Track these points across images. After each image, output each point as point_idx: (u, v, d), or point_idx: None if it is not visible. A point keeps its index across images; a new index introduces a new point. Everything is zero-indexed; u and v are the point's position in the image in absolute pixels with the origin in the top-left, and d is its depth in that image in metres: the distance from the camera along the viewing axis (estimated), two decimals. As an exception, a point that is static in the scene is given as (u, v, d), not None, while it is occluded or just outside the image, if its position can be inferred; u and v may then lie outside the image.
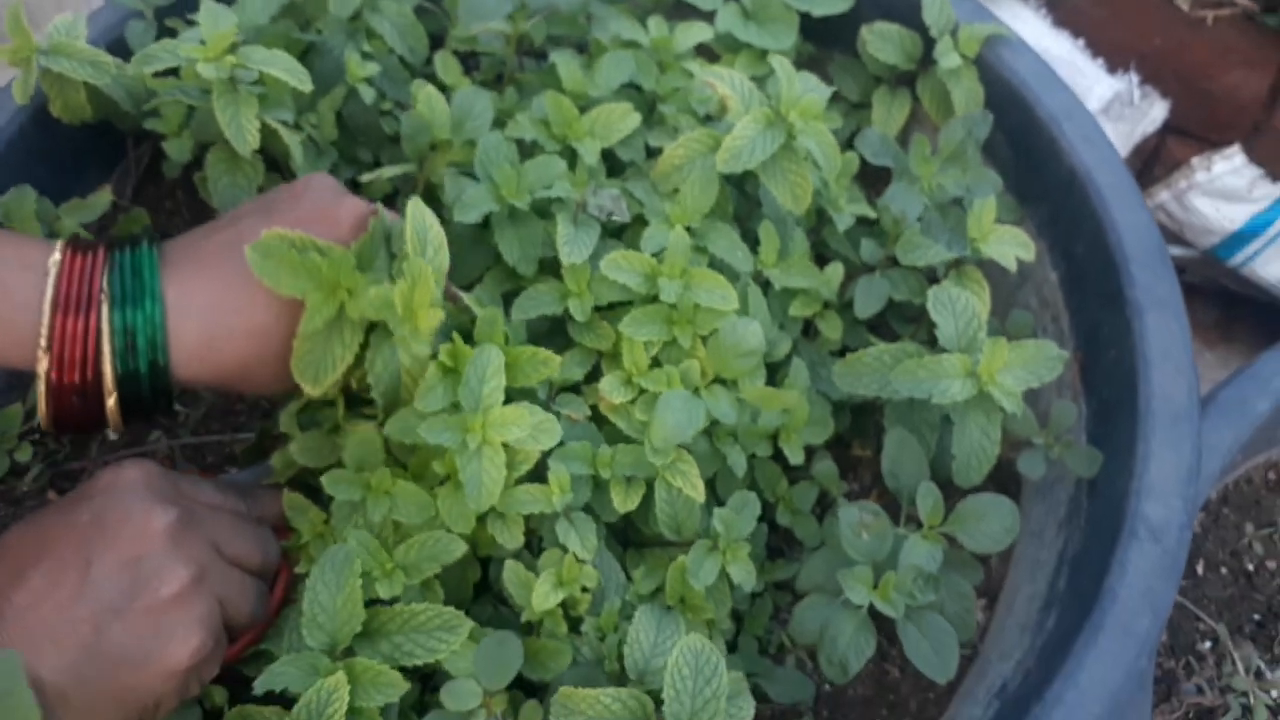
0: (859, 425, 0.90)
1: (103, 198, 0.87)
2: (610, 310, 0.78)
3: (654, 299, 0.75)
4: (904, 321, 0.91)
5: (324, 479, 0.67)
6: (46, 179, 0.87)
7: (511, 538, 0.67)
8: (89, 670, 0.55)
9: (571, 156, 0.82)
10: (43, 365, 0.60)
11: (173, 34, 0.87)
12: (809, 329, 0.89)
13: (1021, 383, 0.75)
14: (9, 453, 0.84)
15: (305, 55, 0.88)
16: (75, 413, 0.62)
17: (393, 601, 0.64)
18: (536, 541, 0.71)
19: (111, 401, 0.62)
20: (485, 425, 0.64)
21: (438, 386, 0.65)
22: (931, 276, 0.87)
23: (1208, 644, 0.94)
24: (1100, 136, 0.87)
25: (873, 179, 0.97)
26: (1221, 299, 1.53)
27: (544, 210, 0.79)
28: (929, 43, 0.91)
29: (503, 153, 0.79)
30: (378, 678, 0.59)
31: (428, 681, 0.69)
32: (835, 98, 0.99)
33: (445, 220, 0.79)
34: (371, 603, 0.63)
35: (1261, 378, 0.88)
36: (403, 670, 0.60)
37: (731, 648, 0.80)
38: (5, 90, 0.83)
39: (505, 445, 0.65)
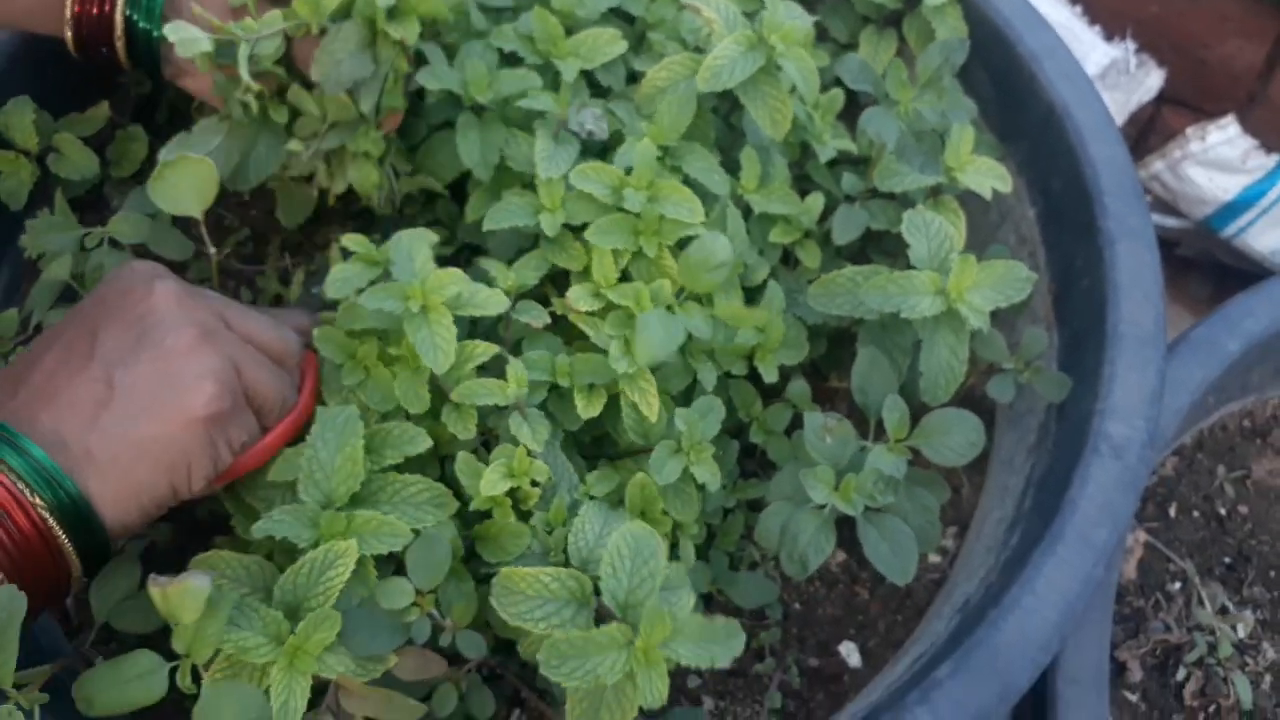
0: (835, 357, 0.92)
1: (100, 111, 0.89)
2: (584, 230, 0.80)
3: (621, 210, 0.76)
4: (883, 254, 0.92)
5: (316, 334, 0.71)
6: (47, 97, 0.89)
7: (465, 429, 0.69)
8: (109, 423, 0.58)
9: (554, 77, 0.84)
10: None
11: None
12: (789, 259, 0.91)
13: (990, 301, 0.76)
14: (4, 357, 0.86)
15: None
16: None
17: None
18: (494, 441, 0.73)
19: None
20: (425, 289, 0.66)
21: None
22: (911, 207, 0.88)
23: (1177, 584, 0.95)
24: (1079, 74, 0.88)
25: (858, 118, 0.98)
26: (1215, 273, 1.53)
27: (516, 121, 0.81)
28: (916, -18, 0.93)
29: (483, 58, 0.80)
30: (380, 528, 0.61)
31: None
32: (824, 38, 1.01)
33: (420, 114, 0.82)
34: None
35: (1232, 319, 0.90)
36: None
37: (702, 561, 0.81)
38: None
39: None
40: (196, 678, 0.58)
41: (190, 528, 0.79)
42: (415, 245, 0.70)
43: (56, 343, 0.61)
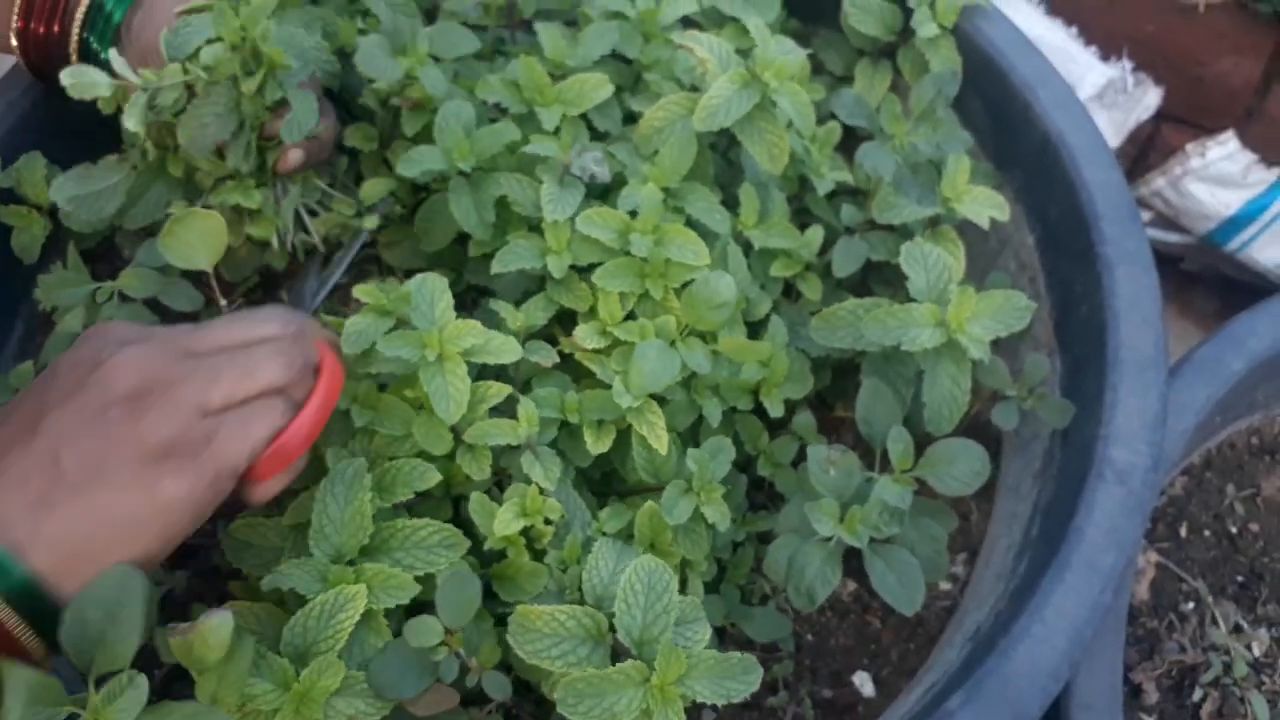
0: (840, 387, 0.93)
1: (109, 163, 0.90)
2: (589, 270, 0.81)
3: (627, 254, 0.77)
4: (883, 284, 0.93)
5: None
6: (59, 152, 0.91)
7: (479, 469, 0.70)
8: (58, 498, 0.54)
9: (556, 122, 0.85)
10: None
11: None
12: (791, 291, 0.92)
13: (990, 331, 0.77)
14: (20, 409, 0.87)
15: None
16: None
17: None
18: (507, 481, 0.74)
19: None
20: (443, 338, 0.67)
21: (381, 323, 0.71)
22: (910, 238, 0.89)
23: (1190, 604, 0.95)
24: (1073, 101, 0.89)
25: (856, 149, 0.99)
26: (1221, 287, 1.54)
27: (518, 167, 0.82)
28: (909, 14, 0.94)
29: (460, 119, 0.82)
30: (388, 581, 0.62)
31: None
32: (820, 71, 1.02)
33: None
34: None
35: (1236, 338, 0.90)
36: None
37: (714, 595, 0.82)
38: (17, 67, 0.87)
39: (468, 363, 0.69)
40: None
41: (206, 574, 0.80)
42: (437, 291, 0.71)
43: (9, 419, 0.58)
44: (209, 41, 0.74)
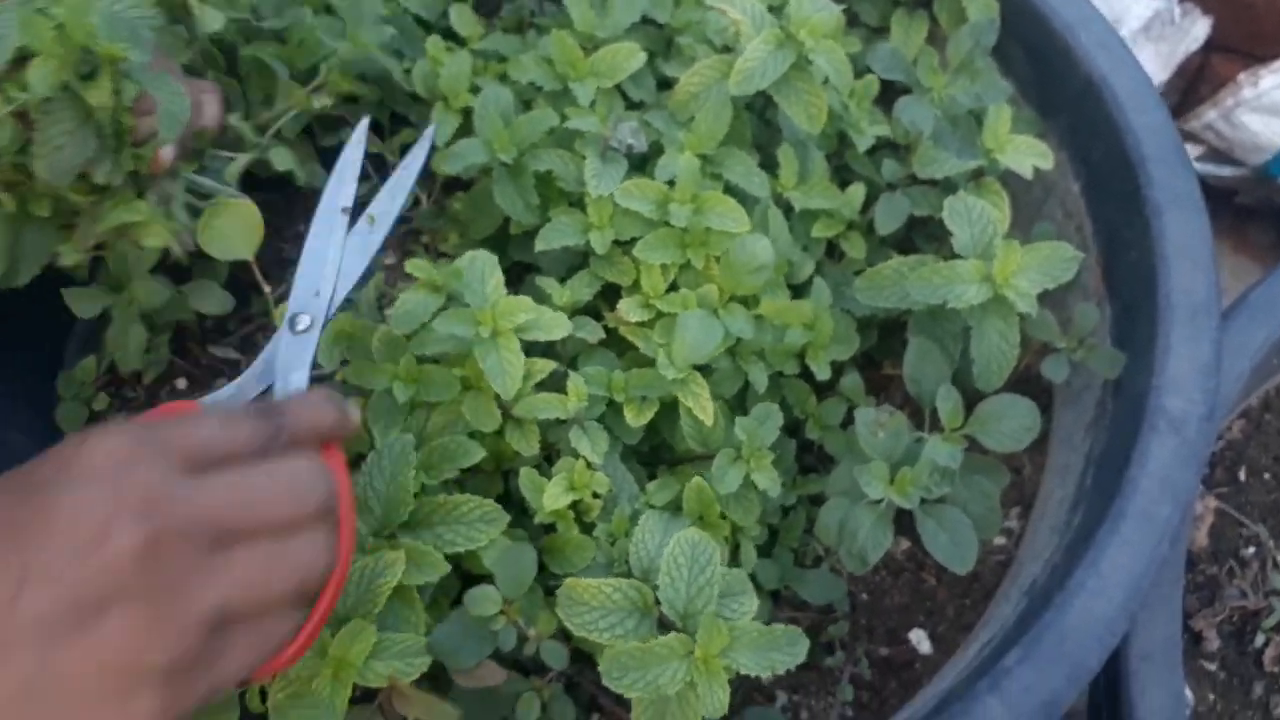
0: (888, 345, 0.92)
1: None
2: (631, 244, 0.81)
3: (667, 224, 0.77)
4: (928, 240, 0.92)
5: (348, 369, 0.72)
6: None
7: (528, 445, 0.71)
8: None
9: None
10: None
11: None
12: (834, 251, 0.91)
13: (1037, 284, 0.76)
14: (87, 402, 0.90)
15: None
16: None
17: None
18: (555, 455, 0.75)
19: None
20: (495, 315, 0.68)
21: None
22: (953, 192, 0.88)
23: (1251, 549, 0.94)
24: (1116, 42, 0.87)
25: (895, 101, 0.98)
26: (1277, 220, 1.50)
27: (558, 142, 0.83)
28: (944, -38, 0.92)
29: (498, 107, 0.82)
30: (422, 558, 0.63)
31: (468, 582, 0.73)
32: (854, 23, 1.01)
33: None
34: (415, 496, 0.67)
35: (1293, 277, 0.88)
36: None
37: (767, 559, 0.82)
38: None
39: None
40: (264, 696, 0.61)
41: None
42: (488, 269, 0.72)
43: None
44: (21, 57, 0.62)
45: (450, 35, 0.94)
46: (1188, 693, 0.87)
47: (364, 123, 0.80)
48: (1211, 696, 0.87)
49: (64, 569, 0.43)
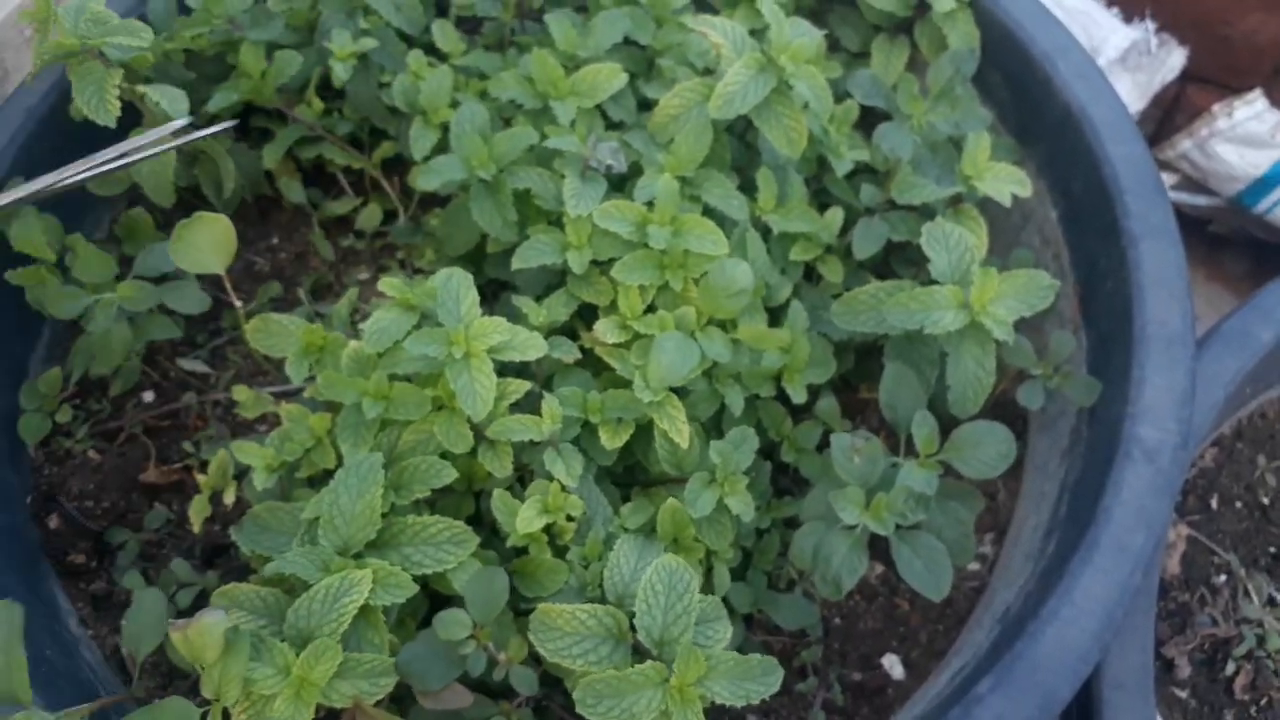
0: (865, 368, 0.92)
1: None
2: (610, 265, 0.81)
3: (646, 245, 0.77)
4: (906, 265, 0.92)
5: (319, 380, 0.71)
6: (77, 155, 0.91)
7: (501, 466, 0.70)
8: None
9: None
10: None
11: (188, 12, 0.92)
12: (812, 275, 0.91)
13: (1013, 312, 0.76)
14: (50, 414, 0.88)
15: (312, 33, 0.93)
16: None
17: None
18: (529, 477, 0.74)
19: None
20: (469, 335, 0.67)
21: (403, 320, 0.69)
22: (931, 217, 0.88)
23: (1222, 577, 0.94)
24: (1094, 72, 0.87)
25: (875, 126, 0.98)
26: (1252, 249, 1.51)
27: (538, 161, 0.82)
28: (924, -12, 0.93)
29: (475, 124, 0.81)
30: (388, 578, 0.62)
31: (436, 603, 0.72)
32: (835, 48, 1.01)
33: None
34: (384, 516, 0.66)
35: (1264, 308, 0.88)
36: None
37: (741, 582, 0.82)
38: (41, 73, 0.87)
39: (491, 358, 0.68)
40: (227, 718, 0.60)
41: (237, 573, 0.81)
42: (463, 288, 0.71)
43: None
44: None
45: (432, 51, 0.94)
46: (1159, 721, 0.87)
47: None
48: (1182, 725, 0.87)
49: None
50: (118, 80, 0.79)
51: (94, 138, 0.89)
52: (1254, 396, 0.99)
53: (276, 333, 0.77)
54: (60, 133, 0.90)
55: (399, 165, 0.98)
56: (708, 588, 0.77)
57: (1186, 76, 1.38)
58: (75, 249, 0.86)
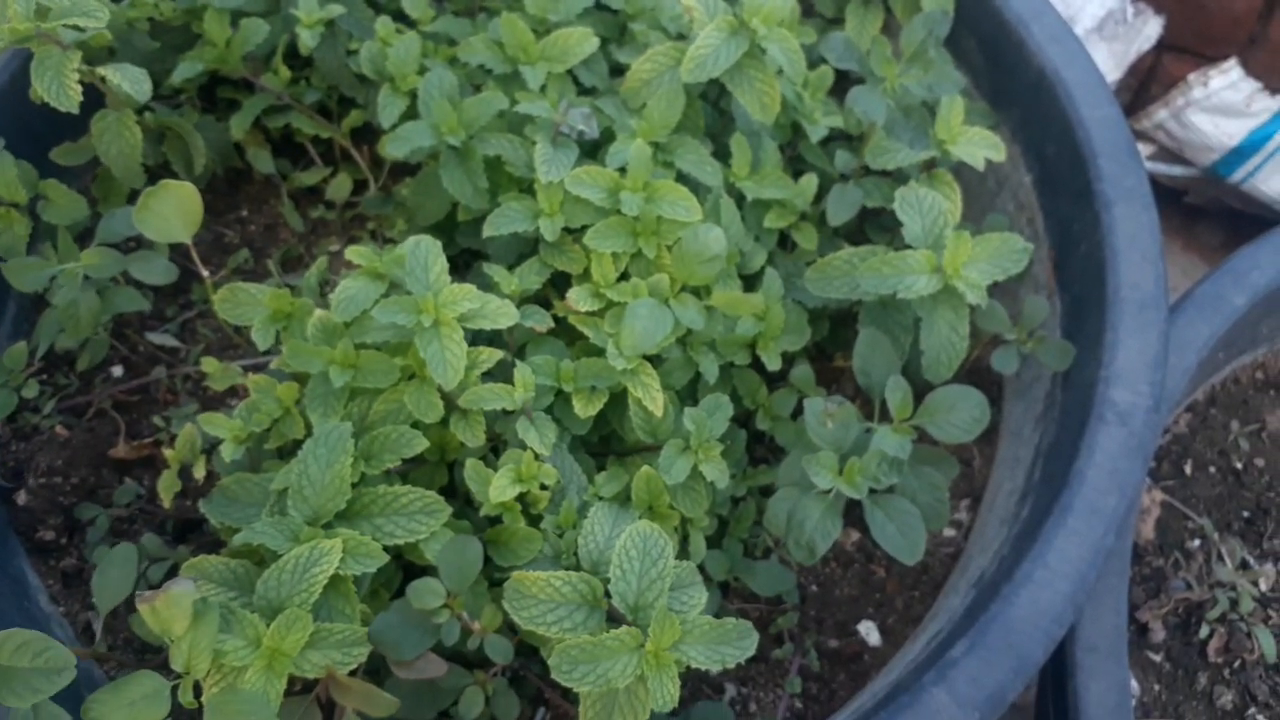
0: (840, 336, 0.92)
1: (87, 143, 0.89)
2: (582, 232, 0.80)
3: (619, 212, 0.76)
4: (880, 231, 0.92)
5: (285, 349, 0.70)
6: (41, 126, 0.89)
7: (474, 436, 0.70)
8: None
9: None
10: None
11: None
12: (786, 242, 0.91)
13: (987, 275, 0.76)
14: (16, 390, 0.87)
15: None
16: None
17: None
18: (502, 446, 0.73)
19: None
20: (437, 303, 0.66)
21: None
22: (905, 183, 0.88)
23: (1196, 542, 0.94)
24: (1068, 35, 0.87)
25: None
26: (1227, 220, 1.52)
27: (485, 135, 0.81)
28: (899, -47, 0.92)
29: (444, 89, 0.80)
30: (358, 548, 0.62)
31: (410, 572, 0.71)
32: (810, 13, 1.00)
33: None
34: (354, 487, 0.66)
35: (1238, 272, 0.89)
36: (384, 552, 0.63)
37: (717, 550, 0.82)
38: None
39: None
40: (198, 692, 0.59)
41: (209, 547, 0.80)
42: (431, 255, 0.70)
43: None
44: None
45: (401, 17, 0.93)
46: (1134, 684, 0.88)
47: None
48: (1157, 687, 0.88)
49: None
50: (76, 63, 0.77)
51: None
52: (1227, 362, 0.99)
53: (245, 302, 0.76)
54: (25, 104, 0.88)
55: (369, 134, 0.97)
56: (683, 555, 0.77)
57: (1163, 46, 1.38)
58: (48, 194, 0.85)
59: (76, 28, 0.77)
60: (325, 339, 0.71)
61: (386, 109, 0.83)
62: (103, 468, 0.85)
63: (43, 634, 0.55)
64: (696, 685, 0.80)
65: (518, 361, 0.71)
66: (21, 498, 0.82)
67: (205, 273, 0.78)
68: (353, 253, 0.73)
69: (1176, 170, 1.47)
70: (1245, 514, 0.96)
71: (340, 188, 0.97)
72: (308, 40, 0.87)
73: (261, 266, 0.96)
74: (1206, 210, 1.52)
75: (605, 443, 0.81)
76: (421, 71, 0.85)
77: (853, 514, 0.75)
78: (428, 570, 0.66)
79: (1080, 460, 0.72)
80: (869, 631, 0.83)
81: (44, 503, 0.82)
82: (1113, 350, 0.75)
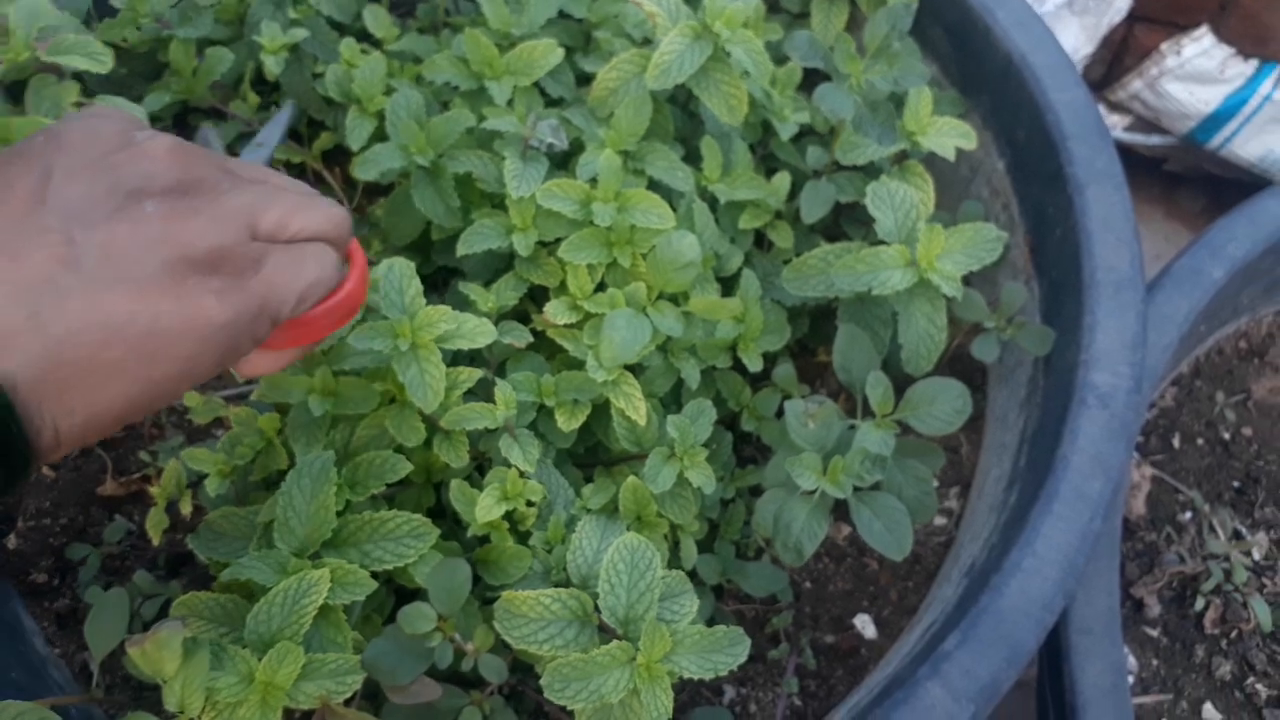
0: (821, 331, 0.92)
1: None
2: (557, 245, 0.80)
3: (591, 223, 0.76)
4: (856, 225, 0.92)
5: (261, 381, 0.70)
6: None
7: (457, 456, 0.70)
8: (70, 286, 0.41)
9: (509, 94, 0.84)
10: None
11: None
12: (763, 241, 0.91)
13: (961, 266, 0.76)
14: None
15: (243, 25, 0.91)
16: None
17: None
18: (487, 464, 0.74)
19: None
20: (414, 326, 0.66)
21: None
22: (878, 177, 0.88)
23: (1188, 514, 0.95)
24: (1033, 19, 0.87)
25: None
26: (1207, 186, 1.52)
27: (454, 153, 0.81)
28: (860, -56, 0.92)
29: (411, 109, 0.80)
30: (346, 577, 0.62)
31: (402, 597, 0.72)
32: (776, 9, 1.00)
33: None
34: (340, 514, 0.66)
35: (1215, 245, 0.89)
36: (374, 577, 0.63)
37: (709, 554, 0.82)
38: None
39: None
40: None
41: (201, 582, 0.81)
42: (405, 277, 0.70)
43: None
44: None
45: (366, 37, 0.93)
46: (1131, 660, 0.88)
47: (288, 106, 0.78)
48: (1155, 662, 0.89)
49: (94, 165, 0.44)
50: (74, 96, 0.77)
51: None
52: (1209, 334, 1.00)
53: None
54: None
55: (342, 156, 0.97)
56: (675, 562, 0.77)
57: (1134, 17, 1.38)
58: None
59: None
60: (304, 368, 0.71)
61: (355, 131, 0.83)
62: (92, 506, 0.85)
63: (38, 705, 0.55)
64: (696, 689, 0.80)
65: (498, 379, 0.71)
66: (12, 541, 0.82)
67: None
68: None
69: (1155, 139, 1.47)
70: (1235, 484, 0.97)
71: None
72: (272, 66, 0.87)
73: (241, 294, 0.95)
74: (1186, 177, 1.52)
75: (592, 454, 0.81)
76: (388, 92, 0.85)
77: (843, 508, 0.76)
78: (419, 593, 0.67)
79: (1064, 445, 0.72)
80: (865, 625, 0.84)
81: (35, 545, 0.82)
82: (1091, 333, 0.75)
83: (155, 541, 0.76)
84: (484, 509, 0.68)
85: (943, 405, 0.74)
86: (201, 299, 0.44)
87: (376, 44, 0.91)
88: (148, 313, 0.42)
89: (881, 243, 0.77)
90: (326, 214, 0.52)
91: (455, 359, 0.77)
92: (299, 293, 0.49)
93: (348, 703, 0.64)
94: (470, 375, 0.71)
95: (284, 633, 0.60)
